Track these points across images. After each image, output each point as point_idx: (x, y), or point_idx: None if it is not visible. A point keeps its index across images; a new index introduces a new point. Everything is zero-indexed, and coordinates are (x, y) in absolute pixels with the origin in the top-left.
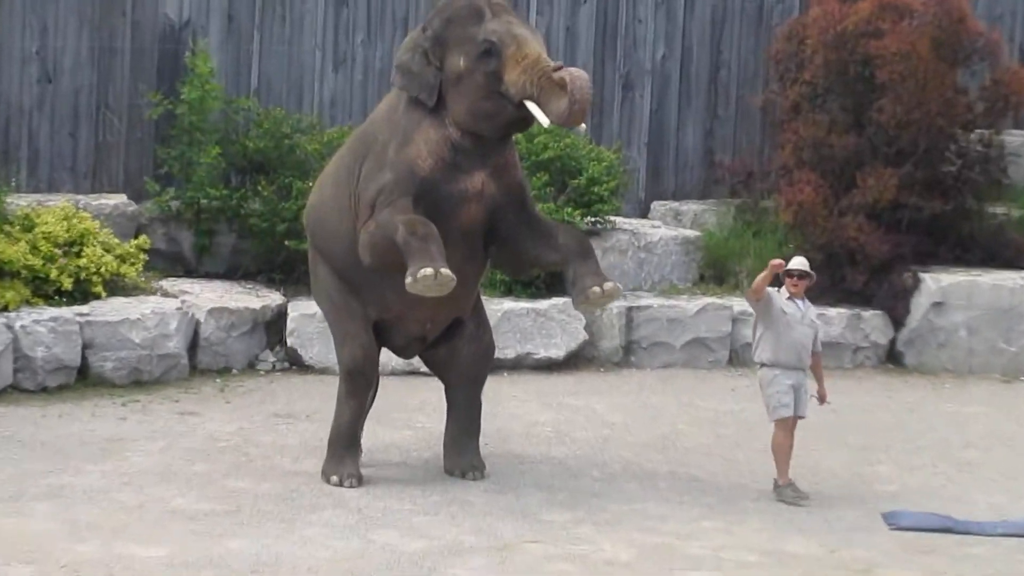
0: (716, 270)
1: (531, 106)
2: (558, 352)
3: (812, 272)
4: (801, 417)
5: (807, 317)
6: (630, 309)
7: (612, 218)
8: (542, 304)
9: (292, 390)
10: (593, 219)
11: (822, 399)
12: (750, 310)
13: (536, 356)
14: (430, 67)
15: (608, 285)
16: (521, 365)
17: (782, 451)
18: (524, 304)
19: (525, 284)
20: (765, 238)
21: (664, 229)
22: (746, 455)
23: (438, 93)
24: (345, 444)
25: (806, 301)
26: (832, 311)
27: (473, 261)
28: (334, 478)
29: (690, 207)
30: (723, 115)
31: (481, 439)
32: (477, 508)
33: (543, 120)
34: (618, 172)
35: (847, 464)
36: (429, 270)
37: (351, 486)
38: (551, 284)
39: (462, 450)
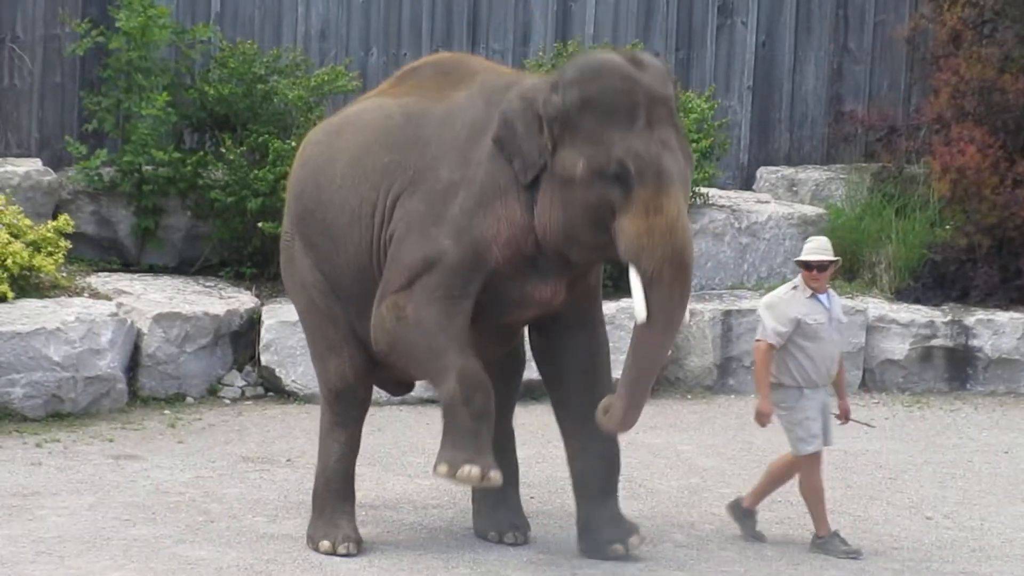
0: (846, 260)
1: (634, 284)
2: None
3: (836, 257)
4: (828, 446)
5: (835, 319)
6: (727, 314)
7: (704, 190)
8: (607, 306)
9: (268, 425)
10: None
11: (845, 416)
12: (891, 315)
13: None
14: (540, 141)
15: (633, 540)
16: None
17: (817, 493)
18: None
19: None
20: (912, 217)
21: (774, 205)
22: (884, 511)
23: (536, 175)
24: (336, 496)
25: (830, 294)
26: (1003, 316)
27: (512, 341)
28: (324, 543)
29: (810, 175)
30: (855, 50)
31: (523, 490)
32: None
33: (639, 313)
34: (712, 127)
35: None
36: (476, 471)
37: (347, 554)
38: (617, 279)
39: (497, 504)
